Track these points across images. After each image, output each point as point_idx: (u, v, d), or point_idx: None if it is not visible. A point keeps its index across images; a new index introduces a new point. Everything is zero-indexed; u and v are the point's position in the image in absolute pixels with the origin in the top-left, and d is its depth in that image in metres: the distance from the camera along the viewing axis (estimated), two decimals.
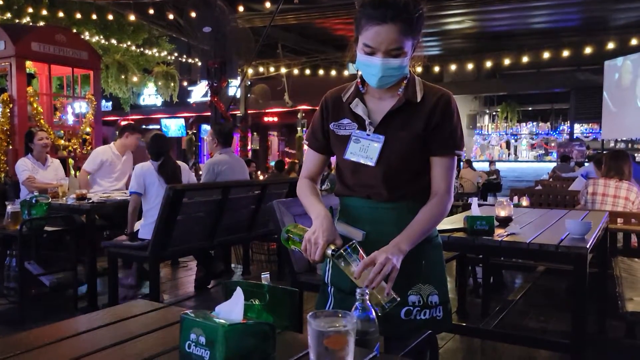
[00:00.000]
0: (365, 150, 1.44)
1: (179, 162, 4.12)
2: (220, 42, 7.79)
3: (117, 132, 4.88)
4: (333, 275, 1.52)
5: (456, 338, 3.18)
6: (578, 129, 16.07)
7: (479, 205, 2.98)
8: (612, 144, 12.00)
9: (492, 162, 13.14)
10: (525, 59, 11.33)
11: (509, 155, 17.37)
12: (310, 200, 1.51)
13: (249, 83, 13.43)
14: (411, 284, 1.44)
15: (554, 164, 11.71)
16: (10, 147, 5.56)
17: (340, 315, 0.93)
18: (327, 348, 0.88)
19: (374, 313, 1.11)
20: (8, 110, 5.46)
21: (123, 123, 5.29)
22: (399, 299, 1.29)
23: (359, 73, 1.47)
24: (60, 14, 9.81)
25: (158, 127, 18.34)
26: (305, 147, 1.65)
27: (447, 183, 1.46)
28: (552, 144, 16.99)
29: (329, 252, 1.35)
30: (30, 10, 9.51)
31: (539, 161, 16.27)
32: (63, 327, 1.19)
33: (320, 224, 1.37)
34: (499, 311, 3.10)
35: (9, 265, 3.87)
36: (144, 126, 19.38)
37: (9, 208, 3.70)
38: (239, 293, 1.02)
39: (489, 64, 12.25)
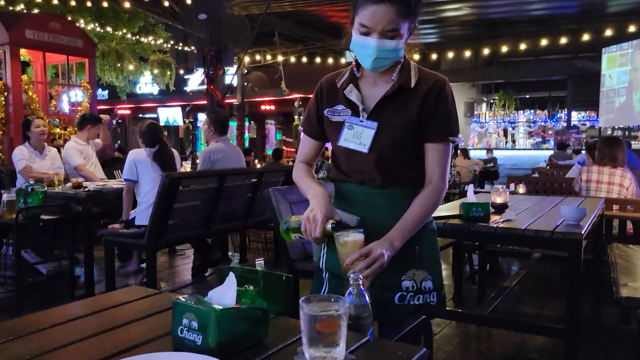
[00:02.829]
0: (358, 137, 1.43)
1: (172, 149, 4.12)
2: (216, 29, 7.73)
3: (77, 124, 4.84)
4: (328, 260, 1.52)
5: (452, 324, 3.20)
6: (575, 116, 16.06)
7: (475, 192, 2.99)
8: (609, 132, 12.00)
9: (489, 150, 13.15)
10: (522, 47, 11.28)
11: (506, 143, 17.36)
12: (306, 182, 1.50)
13: (246, 71, 13.36)
14: (405, 269, 1.44)
15: (551, 152, 11.73)
16: (6, 135, 5.53)
17: (332, 299, 0.93)
18: (320, 332, 0.88)
19: (367, 298, 1.12)
20: (3, 98, 5.43)
21: (80, 114, 5.23)
22: (368, 302, 1.18)
23: (354, 57, 1.46)
24: (55, 1, 9.71)
25: (154, 115, 18.26)
26: (301, 133, 1.64)
27: (441, 169, 1.44)
28: (550, 132, 16.98)
29: (329, 226, 1.34)
30: None
31: (536, 149, 16.27)
32: (57, 313, 1.19)
33: (318, 202, 1.37)
34: (494, 297, 3.12)
35: (6, 253, 3.87)
36: (140, 114, 19.31)
37: (5, 196, 3.69)
38: (231, 278, 1.02)
39: (486, 51, 12.20)
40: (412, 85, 1.41)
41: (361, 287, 1.13)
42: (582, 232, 2.23)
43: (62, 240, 4.25)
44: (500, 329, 3.06)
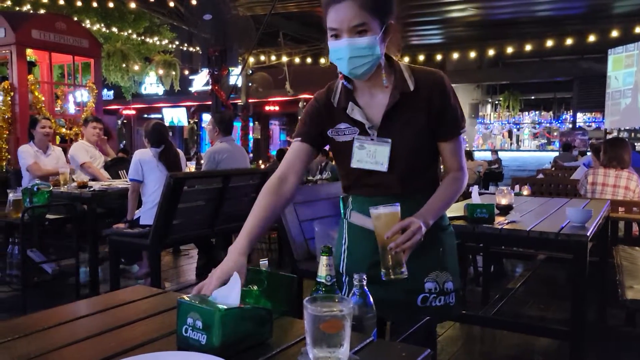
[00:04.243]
0: (372, 155, 1.37)
1: (177, 150, 4.13)
2: (221, 30, 7.74)
3: (84, 124, 4.88)
4: (348, 264, 1.49)
5: (456, 326, 3.20)
6: (581, 118, 15.99)
7: (480, 194, 2.98)
8: (614, 133, 11.94)
9: (494, 151, 13.11)
10: (528, 47, 11.25)
11: (511, 145, 17.30)
12: (251, 215, 1.33)
13: (250, 72, 13.38)
14: (429, 271, 1.44)
15: (556, 153, 11.68)
16: (12, 135, 5.56)
17: (336, 300, 0.93)
18: (324, 332, 0.88)
19: (371, 299, 1.12)
20: (9, 98, 5.45)
21: (87, 117, 5.26)
22: (406, 274, 1.28)
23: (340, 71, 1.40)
24: (61, 2, 9.76)
25: (159, 116, 18.31)
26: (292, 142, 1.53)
27: (458, 161, 1.45)
28: (555, 133, 16.91)
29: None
30: None
31: (541, 150, 16.20)
32: (62, 312, 1.20)
33: (227, 261, 1.19)
34: (498, 299, 3.11)
35: (12, 252, 3.89)
36: (145, 115, 19.37)
37: (11, 196, 3.71)
38: (235, 278, 1.03)
39: (491, 52, 12.17)
40: (412, 88, 1.37)
41: (365, 287, 1.13)
42: (588, 234, 2.22)
43: (67, 239, 4.27)
44: (504, 331, 3.05)
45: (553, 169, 7.65)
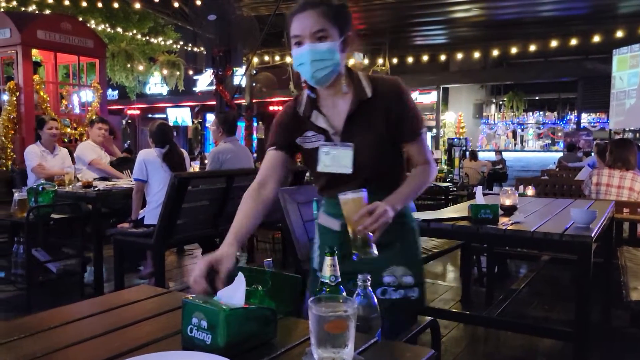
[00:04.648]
0: (337, 160, 1.47)
1: (181, 150, 4.14)
2: (225, 30, 7.75)
3: (89, 125, 4.94)
4: (319, 261, 1.59)
5: (460, 326, 3.19)
6: (585, 118, 15.90)
7: (484, 194, 2.98)
8: (621, 134, 11.89)
9: (498, 152, 13.07)
10: (532, 48, 11.19)
11: (515, 145, 17.23)
12: (235, 219, 1.44)
13: (254, 72, 13.38)
14: (386, 266, 1.51)
15: (561, 154, 11.64)
16: (17, 135, 5.58)
17: (341, 300, 0.94)
18: (328, 333, 0.88)
19: (375, 299, 1.12)
20: (15, 98, 5.48)
21: (93, 118, 5.33)
22: (376, 253, 1.35)
23: (303, 80, 1.50)
24: (66, 2, 9.79)
25: (164, 115, 18.35)
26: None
27: (424, 156, 1.54)
28: (559, 134, 16.83)
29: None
30: None
31: (545, 151, 16.11)
32: (67, 312, 1.20)
33: (209, 256, 1.26)
34: (502, 300, 3.10)
35: (17, 252, 3.90)
36: (149, 115, 19.41)
37: (16, 195, 3.73)
38: (240, 278, 1.03)
39: (495, 52, 12.12)
40: (369, 95, 1.46)
41: (369, 288, 1.13)
42: (592, 235, 2.22)
43: (72, 239, 4.28)
44: (508, 332, 3.05)
45: (557, 169, 7.62)
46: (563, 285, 4.18)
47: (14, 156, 5.49)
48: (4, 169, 5.34)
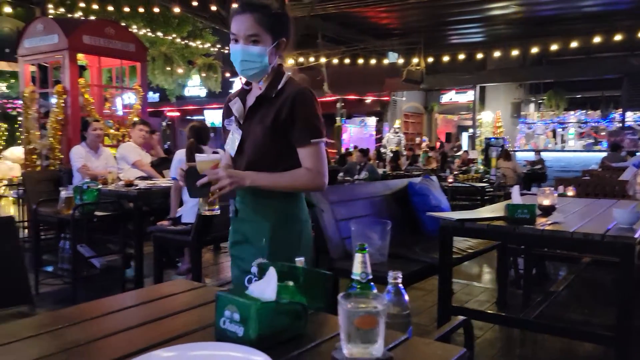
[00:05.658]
0: (231, 142, 1.67)
1: (218, 150, 4.22)
2: None
3: (131, 126, 5.13)
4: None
5: (495, 328, 3.14)
6: (630, 116, 15.26)
7: (521, 194, 2.92)
8: None
9: (537, 152, 12.72)
10: (574, 44, 10.85)
11: (555, 145, 16.70)
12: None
13: (289, 73, 13.47)
14: (255, 257, 1.51)
15: (604, 154, 11.23)
16: (64, 136, 5.80)
17: (371, 296, 0.94)
18: (358, 328, 0.89)
19: (406, 297, 1.13)
20: (62, 101, 5.70)
21: (135, 120, 5.56)
22: (218, 212, 1.59)
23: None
24: (110, 8, 10.13)
25: (202, 117, 18.71)
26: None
27: (311, 164, 1.60)
28: (602, 133, 16.21)
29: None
30: (82, 4, 9.87)
31: (587, 150, 15.54)
32: (109, 303, 1.26)
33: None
34: (540, 302, 3.03)
35: (63, 247, 4.08)
36: (188, 116, 19.83)
37: (63, 194, 3.90)
38: (271, 273, 1.05)
39: (535, 50, 11.81)
40: (273, 95, 1.60)
41: (400, 285, 1.14)
42: (636, 236, 2.14)
43: (114, 235, 4.44)
44: (545, 335, 2.98)
45: (600, 169, 7.37)
46: (604, 289, 4.04)
47: (61, 156, 5.72)
48: (53, 168, 5.58)
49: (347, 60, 13.21)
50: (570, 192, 4.01)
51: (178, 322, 1.13)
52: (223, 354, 0.92)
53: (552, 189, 2.97)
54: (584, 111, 16.79)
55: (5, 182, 8.69)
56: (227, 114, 1.72)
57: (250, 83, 1.70)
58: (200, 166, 1.59)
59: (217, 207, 1.60)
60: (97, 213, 3.92)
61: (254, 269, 1.36)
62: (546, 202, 2.67)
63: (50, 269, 4.41)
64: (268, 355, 0.89)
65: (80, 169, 4.57)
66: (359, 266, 1.16)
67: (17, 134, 12.29)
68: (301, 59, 13.17)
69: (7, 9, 8.98)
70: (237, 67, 1.59)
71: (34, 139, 5.95)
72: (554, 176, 8.11)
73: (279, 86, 1.61)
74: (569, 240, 2.29)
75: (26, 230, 5.46)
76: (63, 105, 5.68)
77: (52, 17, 7.95)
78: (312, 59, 13.03)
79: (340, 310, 0.90)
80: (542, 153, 12.71)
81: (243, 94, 1.70)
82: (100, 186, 3.94)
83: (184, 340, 1.00)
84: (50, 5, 8.46)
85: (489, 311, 3.44)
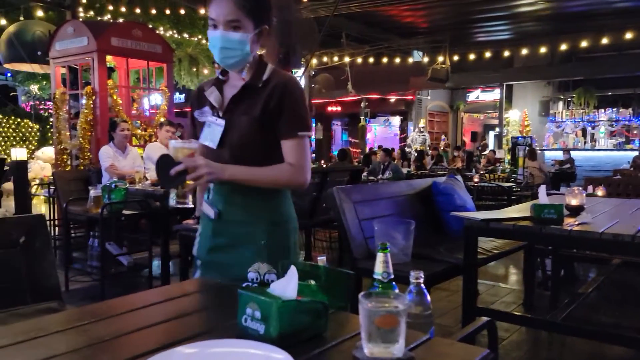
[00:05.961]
0: (210, 134, 1.54)
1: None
2: (285, 32, 7.88)
3: (158, 127, 5.23)
4: (197, 247, 1.66)
5: (521, 330, 3.09)
6: None
7: (549, 194, 2.86)
8: None
9: (566, 151, 12.44)
10: (604, 41, 10.58)
11: (585, 144, 16.30)
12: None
13: (313, 73, 13.51)
14: (252, 262, 1.47)
15: (636, 153, 10.92)
16: (93, 136, 5.94)
17: (392, 296, 0.94)
18: (378, 328, 0.89)
19: (428, 297, 1.12)
20: (91, 102, 5.83)
21: (162, 120, 5.65)
22: (190, 205, 1.50)
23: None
24: (137, 10, 10.32)
25: None
26: None
27: (294, 158, 1.52)
28: (635, 131, 15.75)
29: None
30: (110, 7, 10.09)
31: (618, 149, 15.11)
32: (133, 300, 1.28)
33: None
34: (568, 304, 2.96)
35: (92, 245, 4.18)
36: None
37: (92, 193, 4.00)
38: (292, 271, 1.06)
39: (564, 47, 11.55)
40: (260, 85, 1.51)
41: (422, 285, 1.13)
42: None
43: (141, 234, 4.52)
44: (573, 337, 2.91)
45: (632, 169, 7.16)
46: (635, 291, 3.92)
47: (90, 156, 5.85)
48: (82, 168, 5.72)
49: (371, 60, 13.17)
50: (600, 192, 3.91)
51: (200, 319, 1.14)
52: (244, 351, 0.92)
53: (581, 188, 2.91)
54: (615, 109, 16.33)
55: (37, 182, 8.94)
56: (199, 104, 1.61)
57: (227, 73, 1.59)
58: (175, 153, 1.47)
59: (189, 200, 1.49)
60: (125, 212, 4.00)
61: (252, 275, 1.32)
62: (574, 202, 2.61)
63: (79, 266, 4.52)
64: (289, 353, 0.89)
65: (108, 168, 4.68)
66: (380, 266, 1.15)
67: (49, 134, 12.63)
68: (325, 59, 13.18)
69: (40, 13, 9.23)
70: (215, 55, 1.49)
71: (64, 139, 6.11)
72: (584, 176, 7.93)
73: (265, 76, 1.52)
74: (598, 241, 2.23)
75: (57, 229, 5.61)
76: (92, 106, 5.81)
77: (82, 20, 8.14)
78: (336, 59, 13.03)
79: (361, 310, 0.90)
80: (571, 152, 12.43)
81: (219, 84, 1.60)
82: (127, 185, 4.02)
83: (206, 337, 1.02)
84: (80, 9, 8.66)
85: (516, 312, 3.38)
